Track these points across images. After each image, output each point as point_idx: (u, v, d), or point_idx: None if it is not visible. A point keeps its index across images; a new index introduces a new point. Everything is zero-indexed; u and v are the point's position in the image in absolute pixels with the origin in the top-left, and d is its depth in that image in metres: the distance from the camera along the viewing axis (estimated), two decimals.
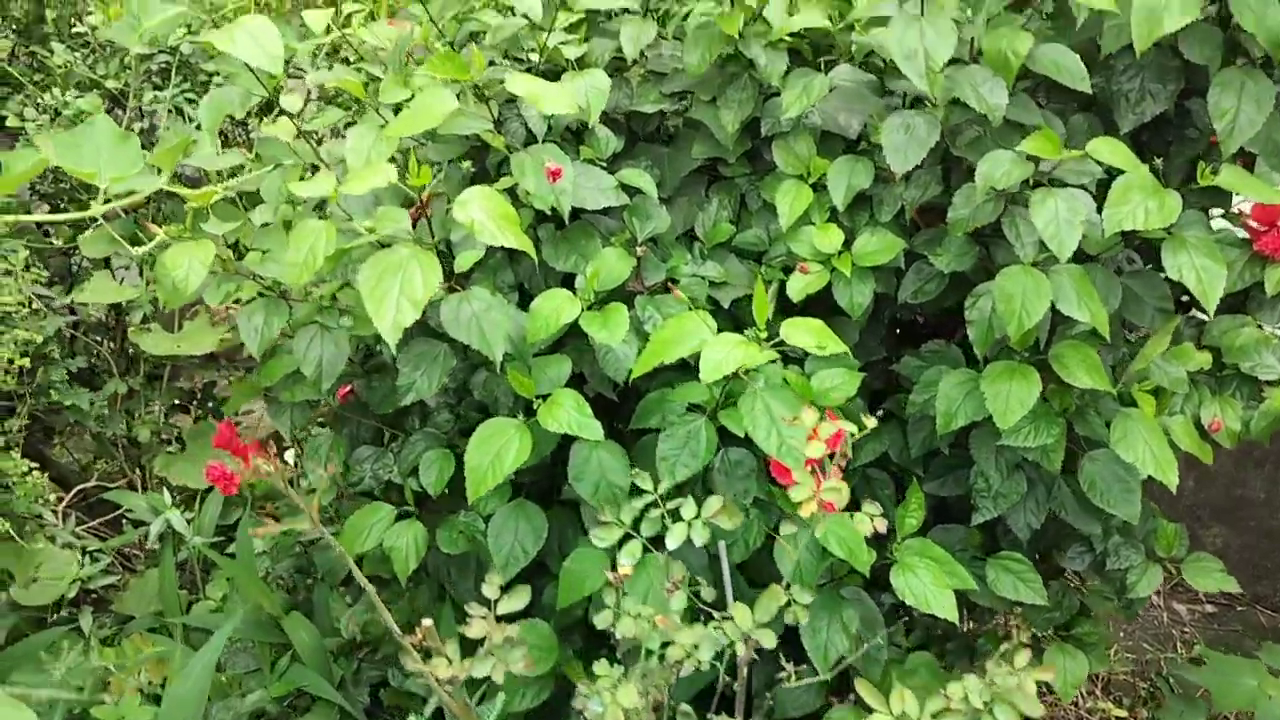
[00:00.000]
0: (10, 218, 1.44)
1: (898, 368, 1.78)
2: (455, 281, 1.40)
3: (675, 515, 1.30)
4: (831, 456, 1.25)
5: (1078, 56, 1.44)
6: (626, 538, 1.32)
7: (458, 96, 1.43)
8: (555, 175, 1.35)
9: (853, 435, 1.16)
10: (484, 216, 1.23)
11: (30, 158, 1.28)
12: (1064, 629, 1.99)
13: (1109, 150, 1.33)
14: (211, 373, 2.64)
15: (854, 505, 1.83)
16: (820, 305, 1.62)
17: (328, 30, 1.74)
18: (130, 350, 2.48)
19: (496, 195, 1.26)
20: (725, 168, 1.70)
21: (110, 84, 2.38)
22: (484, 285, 1.44)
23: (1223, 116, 1.46)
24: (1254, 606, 3.46)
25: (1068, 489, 1.74)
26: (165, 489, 2.26)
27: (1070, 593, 1.96)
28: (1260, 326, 1.76)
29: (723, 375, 1.19)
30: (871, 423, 1.18)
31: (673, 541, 1.16)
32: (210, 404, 2.71)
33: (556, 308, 1.38)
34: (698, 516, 1.26)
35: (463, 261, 1.36)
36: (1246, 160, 1.67)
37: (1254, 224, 1.67)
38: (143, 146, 2.48)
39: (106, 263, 2.43)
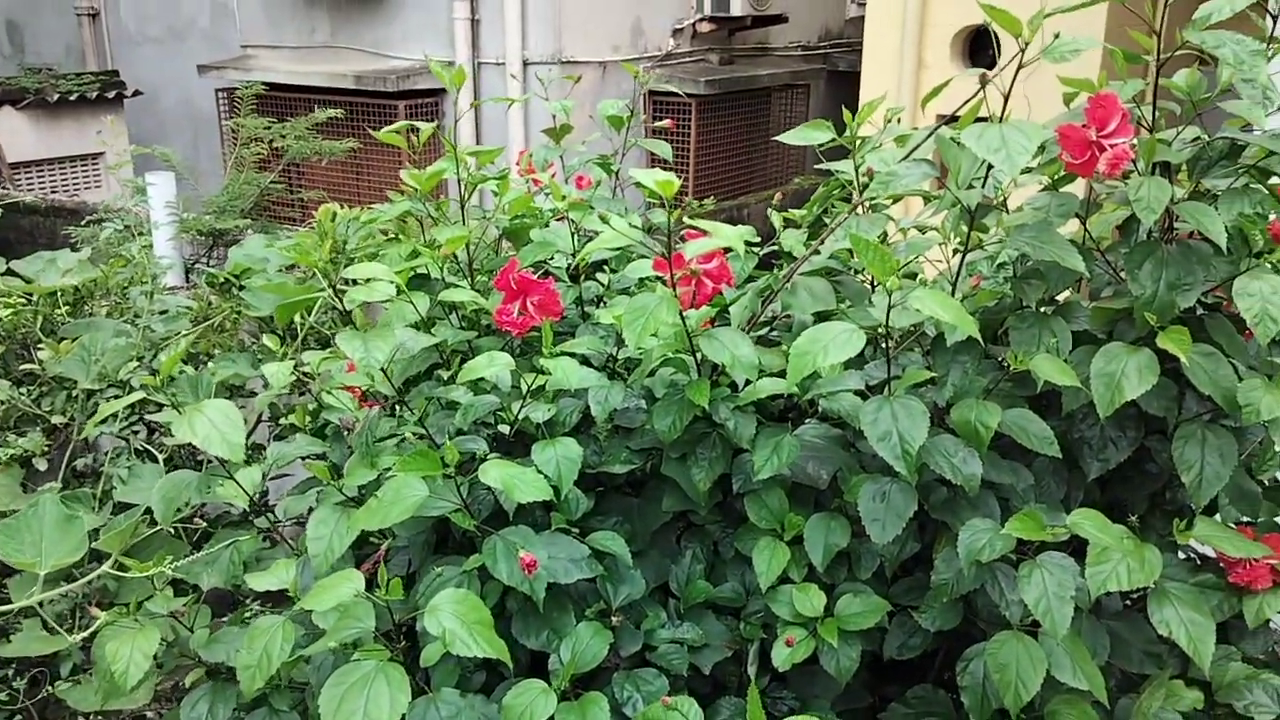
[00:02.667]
0: None
1: (884, 717, 1.69)
2: (417, 678, 1.31)
3: None
4: None
5: (1041, 421, 1.46)
6: None
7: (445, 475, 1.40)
8: (530, 567, 1.29)
9: None
10: (456, 624, 1.16)
11: None
12: None
13: (1089, 524, 1.32)
14: None
15: None
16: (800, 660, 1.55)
17: (288, 381, 1.72)
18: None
19: (469, 598, 1.20)
20: (696, 516, 1.67)
21: (56, 419, 2.33)
22: (449, 671, 1.35)
23: (1189, 469, 1.48)
24: None
25: None
26: None
27: None
28: (1247, 658, 1.73)
29: None
30: None
31: None
32: None
33: (529, 704, 1.29)
34: None
35: (429, 656, 1.28)
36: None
37: (1228, 557, 1.67)
38: (85, 483, 2.40)
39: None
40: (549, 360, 1.40)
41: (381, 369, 1.35)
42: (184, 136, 8.02)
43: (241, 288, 2.58)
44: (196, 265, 4.33)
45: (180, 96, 8.09)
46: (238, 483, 1.51)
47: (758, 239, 2.10)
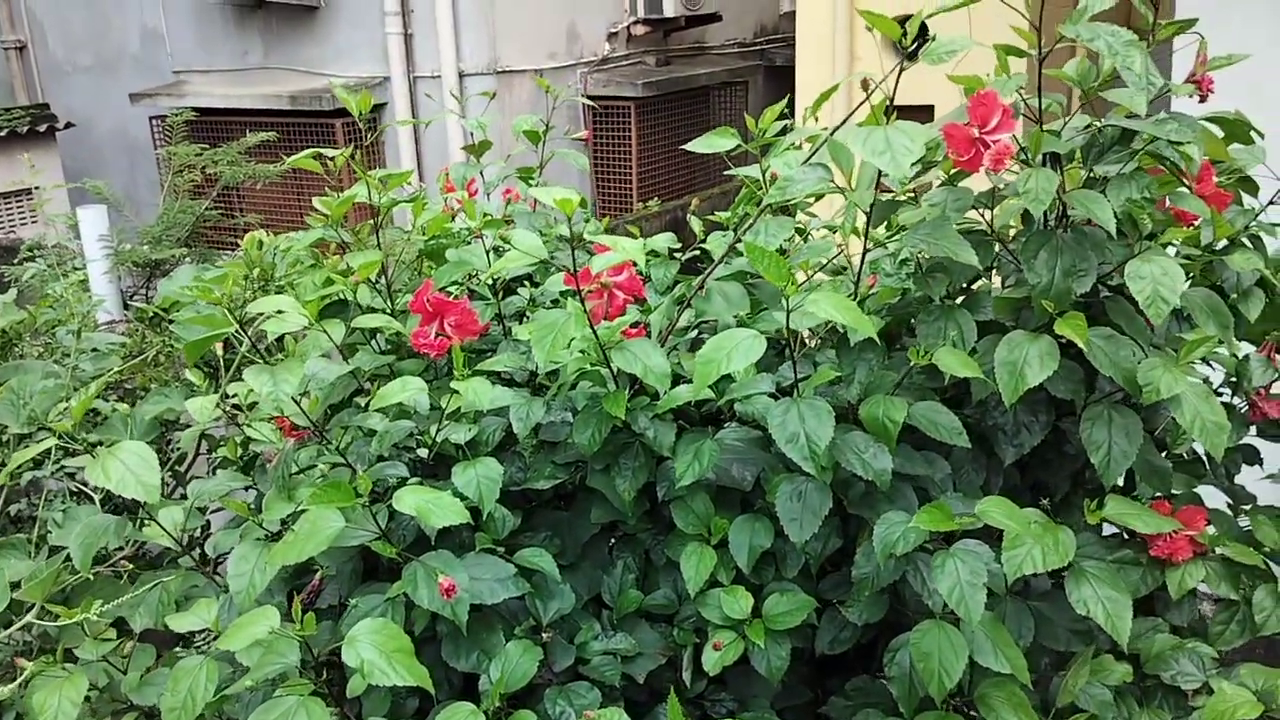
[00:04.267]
0: None
1: (825, 711, 1.72)
2: (346, 709, 1.31)
3: None
4: None
5: (949, 413, 1.49)
6: None
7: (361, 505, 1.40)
8: (449, 592, 1.30)
9: None
10: (374, 654, 1.17)
11: None
12: None
13: (998, 511, 1.35)
14: None
15: None
16: (736, 661, 1.57)
17: (213, 413, 1.72)
18: None
19: (389, 627, 1.21)
20: (627, 526, 1.68)
21: None
22: (378, 702, 1.35)
23: (1097, 450, 1.52)
24: None
25: None
26: None
27: None
28: (1174, 628, 1.77)
29: None
30: None
31: None
32: None
33: None
34: None
35: (354, 687, 1.28)
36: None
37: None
38: (22, 528, 2.37)
39: None
40: (460, 382, 1.41)
41: (294, 399, 1.35)
42: (121, 166, 7.91)
43: (172, 321, 2.56)
44: (134, 298, 4.28)
45: (114, 126, 7.97)
46: (159, 524, 1.50)
47: (679, 244, 2.13)
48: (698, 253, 2.03)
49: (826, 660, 1.92)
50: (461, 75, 6.51)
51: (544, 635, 1.49)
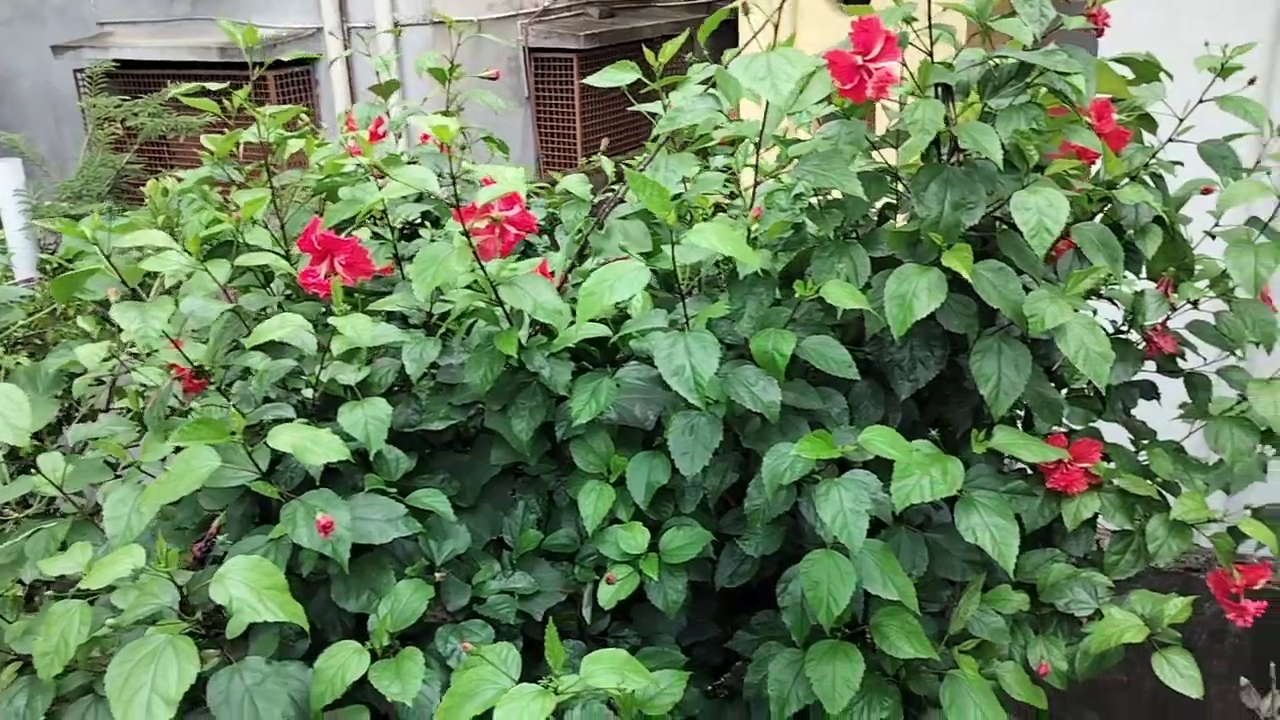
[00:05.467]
0: None
1: (731, 644, 1.73)
2: (230, 646, 1.29)
3: None
4: None
5: (841, 347, 1.49)
6: None
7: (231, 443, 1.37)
8: (326, 529, 1.28)
9: None
10: (245, 592, 1.15)
11: None
12: None
13: (881, 440, 1.36)
14: None
15: None
16: (643, 594, 1.58)
17: (106, 360, 1.67)
18: None
19: (262, 564, 1.19)
20: (529, 467, 1.67)
21: None
22: (266, 642, 1.34)
23: (986, 381, 1.53)
24: None
25: None
26: None
27: None
28: (1070, 556, 1.81)
29: None
30: None
31: None
32: None
33: (341, 665, 1.29)
34: None
35: (233, 627, 1.27)
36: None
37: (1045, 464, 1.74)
38: None
39: None
40: (339, 318, 1.38)
41: (169, 337, 1.32)
42: (45, 121, 7.68)
43: None
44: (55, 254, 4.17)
45: (38, 80, 7.72)
46: (40, 470, 1.46)
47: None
48: (609, 194, 2.01)
49: (737, 598, 1.94)
50: (397, 25, 6.38)
51: (437, 575, 1.48)
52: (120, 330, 1.82)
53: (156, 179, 1.95)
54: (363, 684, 1.39)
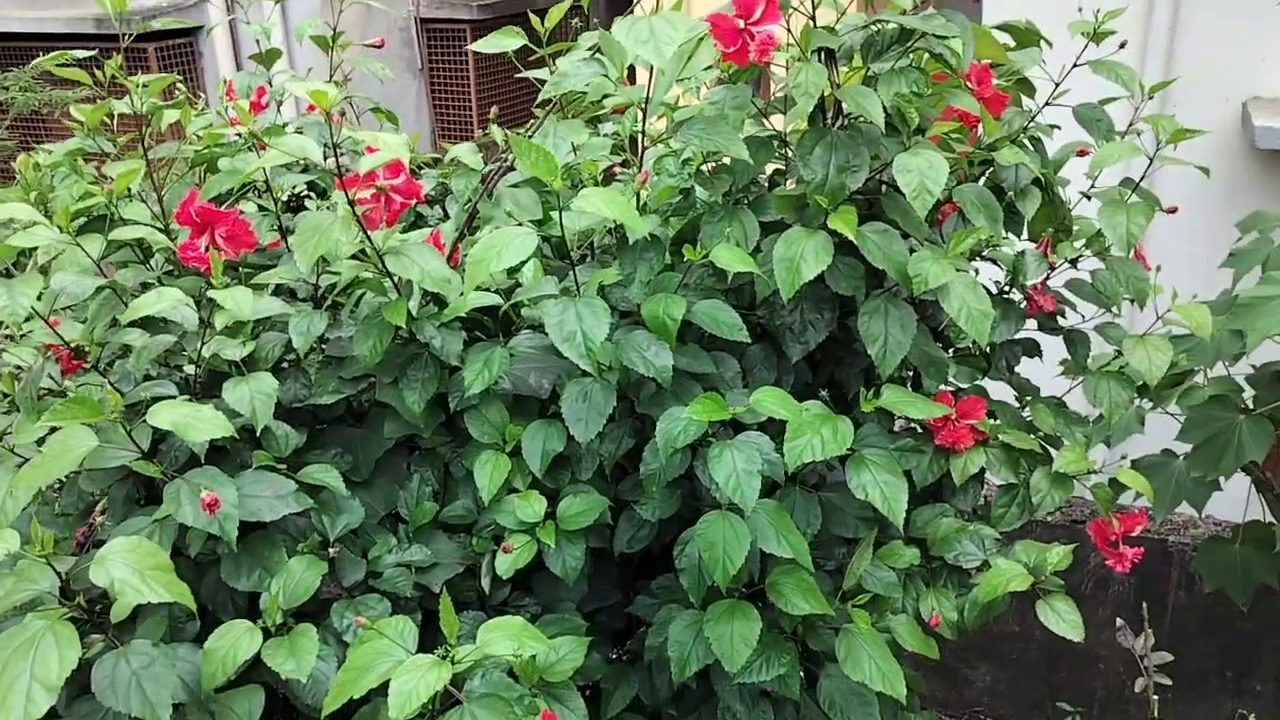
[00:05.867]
0: None
1: (632, 609, 1.75)
2: (117, 631, 1.26)
3: None
4: None
5: (731, 309, 1.51)
6: None
7: (110, 421, 1.33)
8: (212, 507, 1.25)
9: None
10: (127, 573, 1.11)
11: None
12: None
13: (771, 400, 1.38)
14: None
15: None
16: (540, 567, 1.58)
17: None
18: None
19: (143, 544, 1.15)
20: (424, 440, 1.66)
21: None
22: (154, 625, 1.30)
23: (874, 341, 1.56)
24: None
25: (815, 705, 1.73)
26: None
27: None
28: (959, 511, 1.87)
29: (418, 708, 1.11)
30: None
31: None
32: None
33: (233, 645, 1.26)
34: None
35: (118, 611, 1.23)
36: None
37: (932, 422, 1.79)
38: None
39: None
40: (220, 292, 1.34)
41: (39, 315, 1.26)
42: None
43: None
44: None
45: None
46: None
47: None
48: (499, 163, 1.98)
49: (638, 565, 1.96)
50: None
51: (331, 550, 1.46)
52: None
53: (27, 156, 1.86)
54: (258, 664, 1.36)
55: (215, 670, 1.25)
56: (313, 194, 1.82)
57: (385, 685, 1.33)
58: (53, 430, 1.33)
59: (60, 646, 1.09)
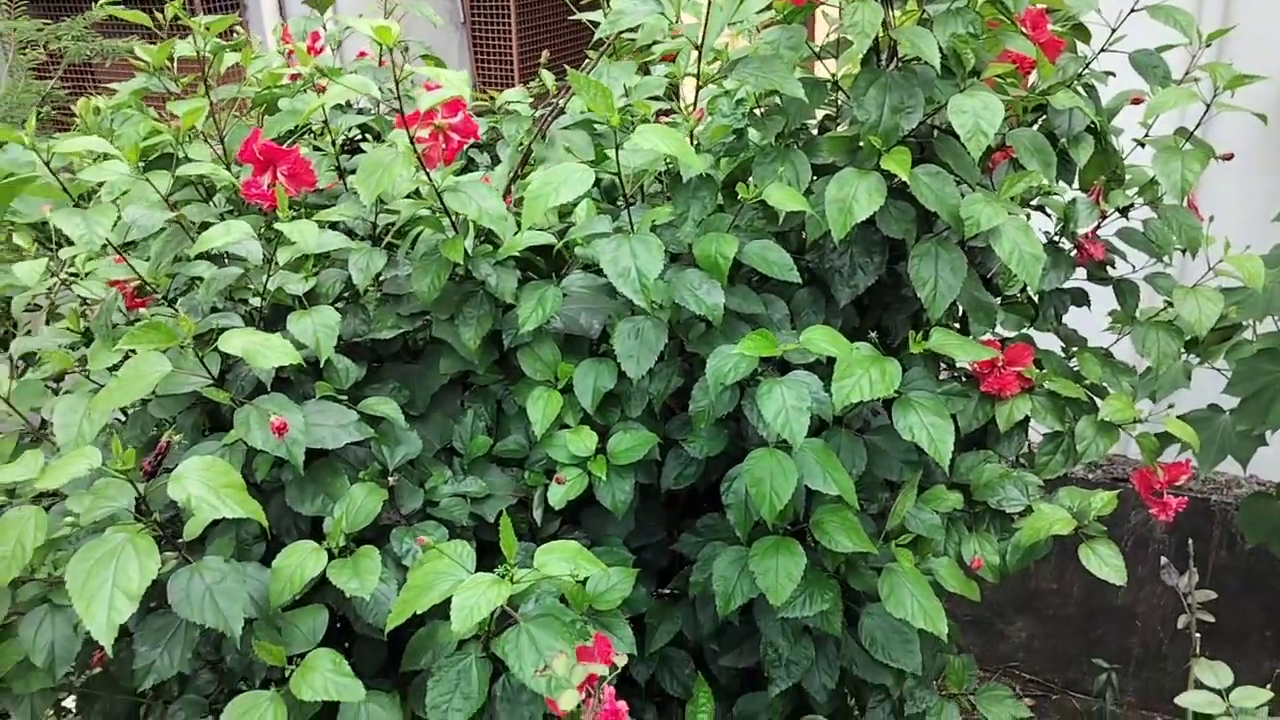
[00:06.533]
0: None
1: (677, 546, 1.79)
2: (188, 549, 1.31)
3: None
4: (602, 681, 1.22)
5: (782, 250, 1.52)
6: None
7: (179, 350, 1.37)
8: (281, 430, 1.30)
9: (611, 670, 1.14)
10: (203, 490, 1.16)
11: None
12: None
13: (822, 338, 1.40)
14: None
15: (658, 691, 1.81)
16: (591, 499, 1.62)
17: (45, 278, 1.65)
18: None
19: (217, 463, 1.20)
20: (478, 376, 1.69)
21: None
22: (223, 545, 1.36)
23: (924, 285, 1.57)
24: (1067, 693, 3.60)
25: (855, 643, 1.76)
26: None
27: None
28: (1003, 458, 1.88)
29: (477, 622, 1.15)
30: (623, 660, 1.16)
31: None
32: None
33: (300, 563, 1.32)
34: None
35: (191, 529, 1.29)
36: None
37: (979, 368, 1.80)
38: None
39: None
40: (286, 224, 1.38)
41: (112, 245, 1.31)
42: None
43: None
44: None
45: None
46: None
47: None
48: (550, 107, 2.00)
49: (685, 506, 1.99)
50: None
51: (390, 479, 1.50)
52: (59, 247, 1.80)
53: (87, 99, 1.91)
54: (319, 588, 1.42)
55: (283, 587, 1.30)
56: (367, 137, 1.85)
57: (442, 607, 1.38)
58: (126, 359, 1.38)
59: (140, 557, 1.14)
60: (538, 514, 1.61)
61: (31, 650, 1.44)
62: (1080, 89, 1.82)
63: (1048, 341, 1.97)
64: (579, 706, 1.07)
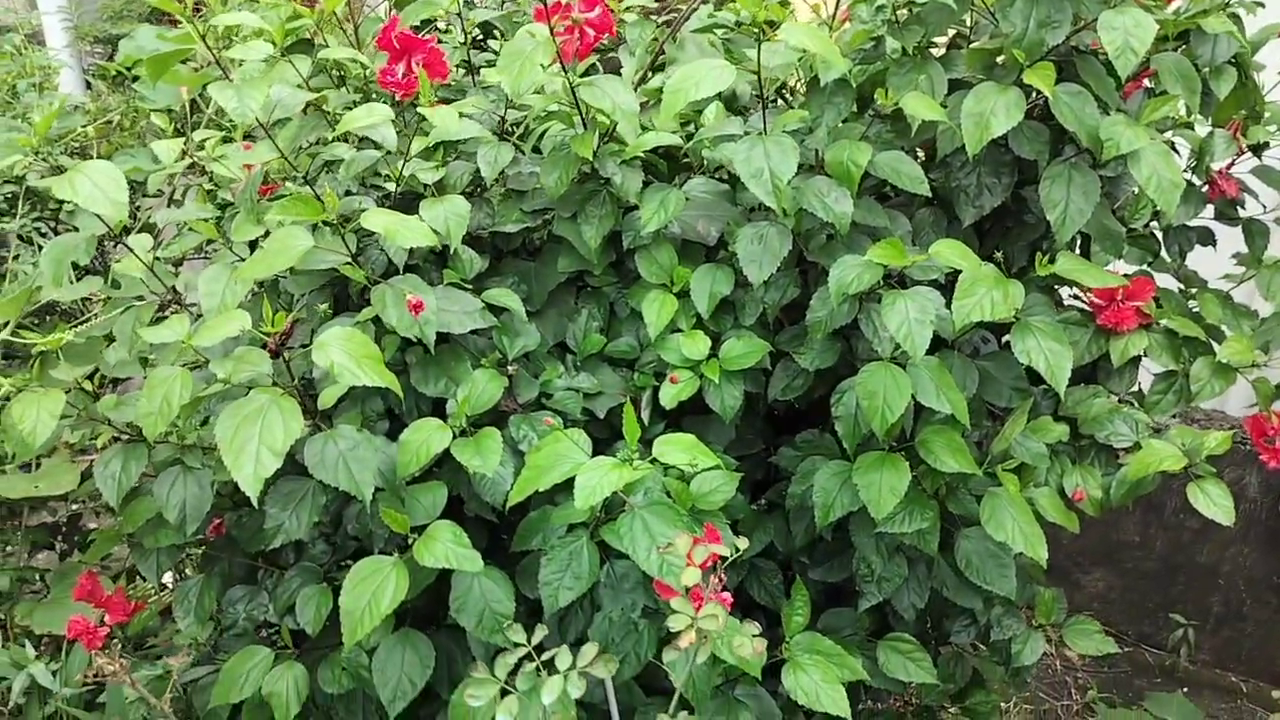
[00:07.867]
0: None
1: (776, 459, 1.81)
2: (320, 418, 1.37)
3: (550, 666, 1.26)
4: (715, 567, 1.25)
5: (914, 162, 1.50)
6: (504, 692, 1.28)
7: (316, 228, 1.42)
8: (417, 309, 1.34)
9: (728, 556, 1.17)
10: (344, 358, 1.21)
11: None
12: (959, 698, 2.02)
13: (951, 251, 1.39)
14: (76, 506, 2.51)
15: (745, 599, 1.85)
16: (695, 406, 1.64)
17: (180, 158, 1.71)
18: None
19: (357, 334, 1.25)
20: (592, 278, 1.72)
21: None
22: (351, 418, 1.41)
23: (1054, 208, 1.55)
24: (1140, 646, 3.58)
25: (947, 566, 1.77)
26: (28, 640, 2.13)
27: (963, 661, 2.00)
28: (1111, 394, 1.86)
29: (597, 501, 1.19)
30: (744, 544, 1.19)
31: (548, 696, 1.13)
32: (76, 539, 2.56)
33: (426, 439, 1.36)
34: (573, 668, 1.22)
35: (326, 398, 1.34)
36: (1086, 242, 1.78)
37: (1096, 300, 1.77)
38: None
39: None
40: (428, 109, 1.41)
41: (261, 124, 1.35)
42: None
43: (135, 79, 2.50)
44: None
45: None
46: (129, 246, 1.51)
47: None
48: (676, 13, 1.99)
49: (783, 422, 2.01)
50: None
51: (510, 368, 1.54)
52: (193, 130, 1.86)
53: None
54: (437, 466, 1.47)
55: (409, 460, 1.35)
56: (495, 33, 1.86)
57: (549, 494, 1.42)
58: (265, 235, 1.43)
59: (285, 417, 1.20)
60: (645, 414, 1.64)
61: (164, 507, 1.52)
62: (1226, 18, 1.75)
63: (1165, 283, 1.93)
64: (697, 584, 1.10)
